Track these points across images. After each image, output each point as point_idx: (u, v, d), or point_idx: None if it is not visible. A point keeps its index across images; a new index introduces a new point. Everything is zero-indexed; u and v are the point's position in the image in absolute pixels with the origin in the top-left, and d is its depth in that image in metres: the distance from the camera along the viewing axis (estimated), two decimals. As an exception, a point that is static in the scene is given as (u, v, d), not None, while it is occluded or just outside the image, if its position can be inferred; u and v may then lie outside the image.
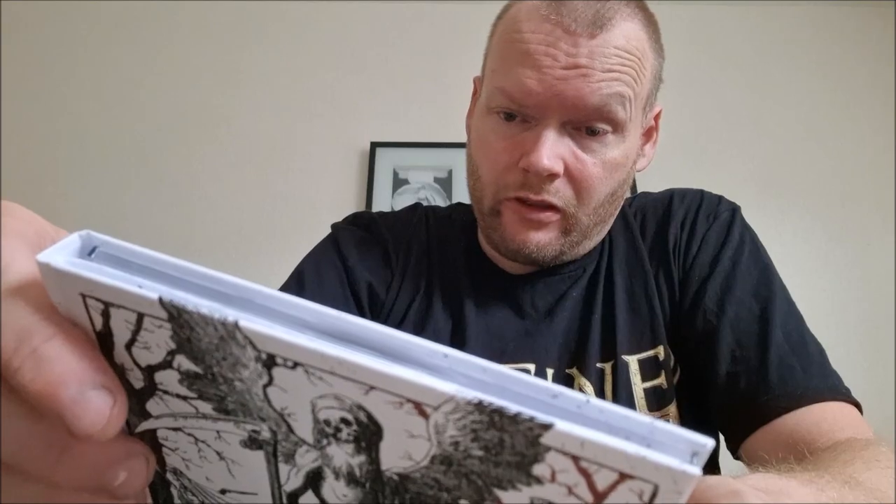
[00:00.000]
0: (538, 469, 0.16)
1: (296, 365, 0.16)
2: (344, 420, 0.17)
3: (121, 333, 0.18)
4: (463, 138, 0.67)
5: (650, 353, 0.59)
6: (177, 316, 0.16)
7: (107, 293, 0.17)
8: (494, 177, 0.59)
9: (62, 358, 0.17)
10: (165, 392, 0.19)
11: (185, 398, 0.19)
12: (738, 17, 1.81)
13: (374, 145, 1.69)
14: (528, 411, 0.15)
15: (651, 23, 0.59)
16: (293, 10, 1.81)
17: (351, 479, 0.19)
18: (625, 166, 0.59)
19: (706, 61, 1.77)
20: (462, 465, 0.17)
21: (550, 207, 0.57)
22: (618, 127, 0.56)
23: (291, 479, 0.19)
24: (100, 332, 0.18)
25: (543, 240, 0.59)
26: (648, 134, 0.65)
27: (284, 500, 0.20)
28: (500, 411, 0.15)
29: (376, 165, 1.67)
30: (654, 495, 0.16)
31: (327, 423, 0.18)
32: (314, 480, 0.19)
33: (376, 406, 0.16)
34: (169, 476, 0.21)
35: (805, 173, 1.70)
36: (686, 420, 0.59)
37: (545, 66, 0.53)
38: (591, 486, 0.16)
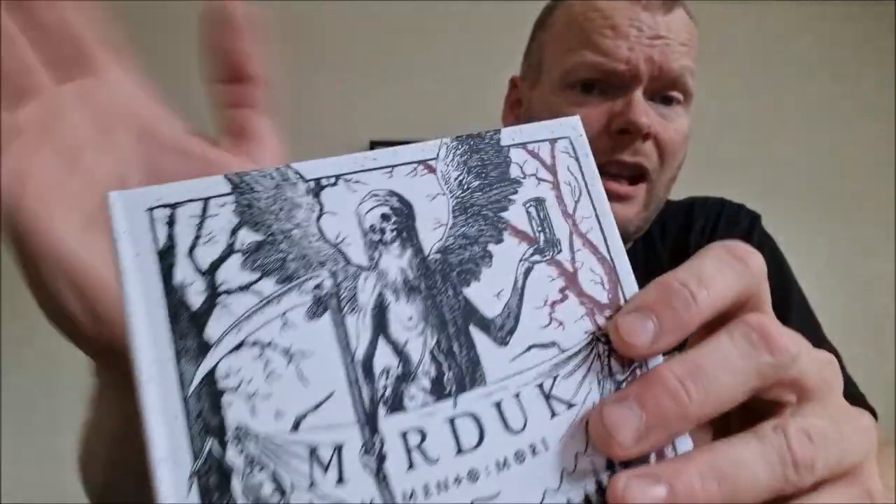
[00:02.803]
0: (513, 171, 0.22)
1: (337, 179, 0.21)
2: (384, 216, 0.21)
3: (184, 237, 0.19)
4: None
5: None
6: (238, 182, 0.20)
7: (175, 192, 0.19)
8: None
9: None
10: (227, 292, 0.19)
11: (248, 287, 0.19)
12: (739, 17, 1.81)
13: (374, 144, 1.69)
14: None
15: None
16: (293, 9, 1.81)
17: (408, 289, 0.20)
18: (686, 143, 0.62)
19: (705, 61, 1.77)
20: (472, 205, 0.21)
21: (640, 177, 0.59)
22: (687, 98, 0.60)
23: (361, 334, 0.19)
24: (162, 249, 0.19)
25: (629, 214, 0.60)
26: None
27: (361, 376, 0.19)
28: (469, 136, 0.22)
29: (376, 164, 1.67)
30: (573, 146, 0.23)
31: (373, 228, 0.20)
32: (381, 318, 0.20)
33: (400, 182, 0.21)
34: (229, 455, 0.17)
35: (805, 173, 1.70)
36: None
37: (633, 36, 0.57)
38: (543, 162, 0.22)
